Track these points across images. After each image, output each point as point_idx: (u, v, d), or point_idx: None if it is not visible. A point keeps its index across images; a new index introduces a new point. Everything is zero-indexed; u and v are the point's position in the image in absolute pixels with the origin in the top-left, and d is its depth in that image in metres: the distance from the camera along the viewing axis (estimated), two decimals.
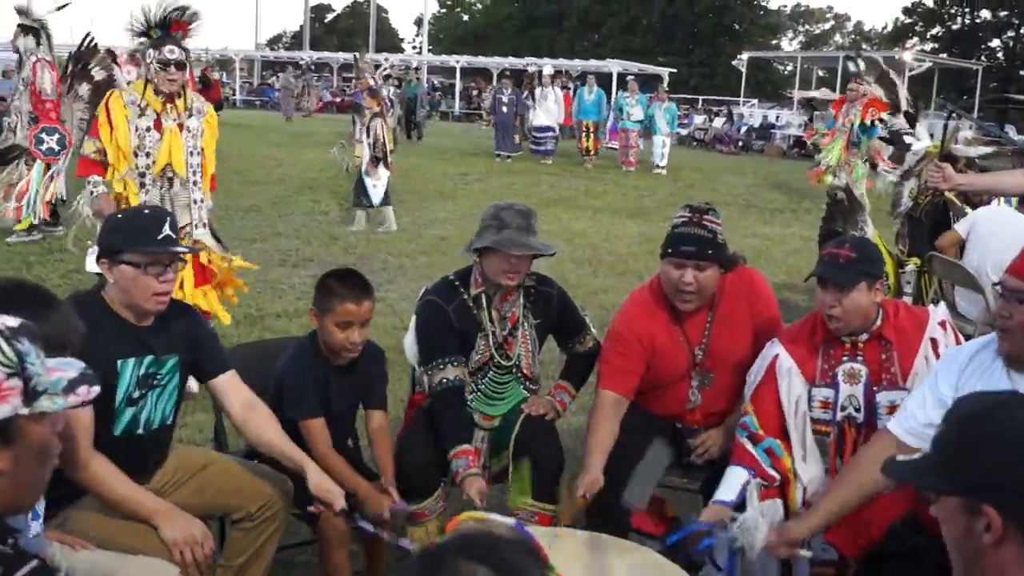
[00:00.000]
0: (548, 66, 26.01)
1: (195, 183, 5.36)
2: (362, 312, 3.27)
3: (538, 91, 21.53)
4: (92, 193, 5.33)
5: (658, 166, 19.60)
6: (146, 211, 2.93)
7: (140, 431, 2.92)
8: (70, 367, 1.67)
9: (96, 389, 1.66)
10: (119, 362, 2.82)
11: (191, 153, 5.30)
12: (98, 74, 9.21)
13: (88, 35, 9.16)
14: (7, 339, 1.55)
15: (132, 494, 2.74)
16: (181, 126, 5.26)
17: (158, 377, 2.93)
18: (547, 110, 20.69)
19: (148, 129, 5.18)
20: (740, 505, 3.00)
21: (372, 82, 15.08)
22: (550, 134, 20.90)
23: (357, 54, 15.96)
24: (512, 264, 3.40)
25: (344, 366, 3.38)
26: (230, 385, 3.11)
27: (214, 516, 3.10)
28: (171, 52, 5.10)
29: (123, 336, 2.84)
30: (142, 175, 5.22)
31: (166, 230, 2.82)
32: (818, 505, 2.92)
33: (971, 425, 1.61)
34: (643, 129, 20.23)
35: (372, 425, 3.48)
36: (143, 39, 5.22)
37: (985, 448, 1.57)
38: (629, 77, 23.80)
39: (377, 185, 11.27)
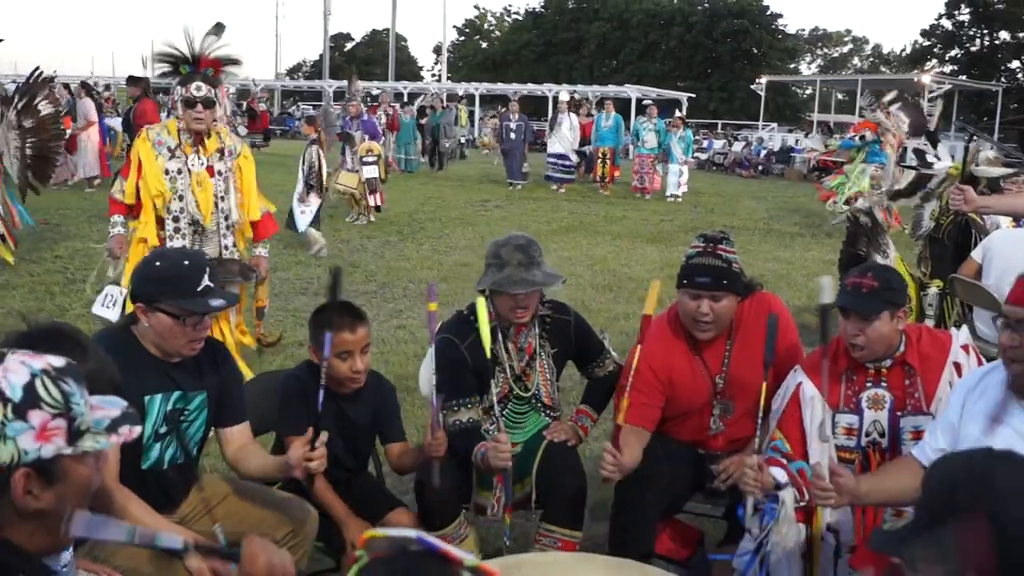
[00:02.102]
0: (563, 92, 25.65)
1: (228, 227, 5.22)
2: (359, 339, 3.29)
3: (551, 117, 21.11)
4: (109, 233, 5.23)
5: (673, 195, 19.06)
6: (186, 261, 2.88)
7: (165, 466, 2.93)
8: (113, 406, 1.69)
9: (138, 429, 1.69)
10: (146, 398, 2.82)
11: (221, 198, 5.16)
12: (45, 108, 9.15)
13: (37, 69, 9.09)
14: (53, 379, 1.57)
15: (155, 525, 2.74)
16: (211, 169, 5.11)
17: (185, 413, 2.95)
18: (561, 137, 20.03)
19: (180, 172, 5.06)
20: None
21: (362, 109, 15.19)
22: (565, 162, 20.20)
23: (348, 81, 15.98)
24: (519, 301, 3.41)
25: (349, 395, 3.39)
26: (235, 438, 3.11)
27: (238, 544, 3.10)
28: (197, 89, 4.93)
29: (151, 372, 2.84)
30: (176, 219, 5.10)
31: (205, 280, 2.82)
32: (865, 478, 2.90)
33: (952, 493, 1.63)
34: (660, 154, 19.65)
35: (394, 455, 3.49)
36: (173, 76, 5.08)
37: (968, 518, 1.58)
38: (647, 102, 23.49)
39: (306, 212, 11.13)
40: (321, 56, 57.69)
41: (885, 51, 72.63)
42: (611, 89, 36.68)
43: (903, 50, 65.47)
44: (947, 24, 55.85)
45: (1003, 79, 49.71)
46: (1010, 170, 6.57)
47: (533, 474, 3.51)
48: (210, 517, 3.05)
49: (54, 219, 12.37)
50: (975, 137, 6.81)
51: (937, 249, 6.79)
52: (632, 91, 36.14)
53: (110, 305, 5.10)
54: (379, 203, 13.89)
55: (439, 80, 56.31)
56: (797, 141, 31.11)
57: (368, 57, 71.85)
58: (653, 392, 3.44)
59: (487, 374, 3.47)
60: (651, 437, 3.45)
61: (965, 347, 3.13)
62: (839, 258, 6.52)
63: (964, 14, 54.33)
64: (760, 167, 29.15)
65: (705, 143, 32.24)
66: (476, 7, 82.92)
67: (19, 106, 8.99)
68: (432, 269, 10.58)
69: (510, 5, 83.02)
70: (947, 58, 56.06)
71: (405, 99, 31.61)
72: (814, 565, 3.07)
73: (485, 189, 19.71)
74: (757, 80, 41.43)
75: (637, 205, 18.00)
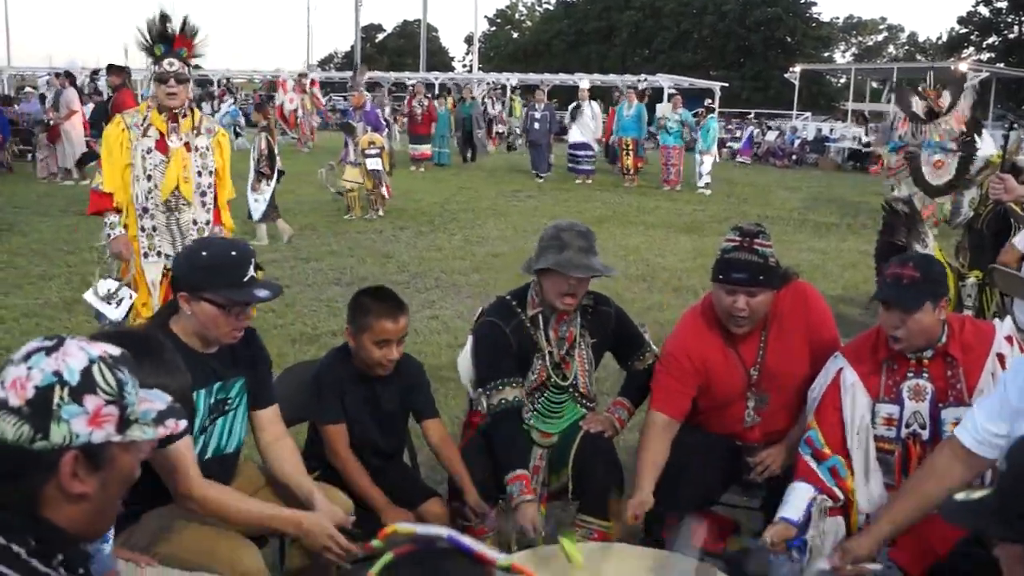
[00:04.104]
0: (584, 80, 25.21)
1: (203, 204, 5.20)
2: (399, 329, 3.29)
3: (571, 106, 20.51)
4: (109, 235, 5.16)
5: (698, 187, 18.54)
6: (232, 252, 2.89)
7: (208, 456, 2.94)
8: (158, 399, 1.72)
9: (183, 423, 1.71)
10: (193, 394, 2.82)
11: (199, 173, 5.17)
12: None
13: None
14: (110, 366, 1.60)
15: (258, 509, 2.79)
16: (188, 146, 5.13)
17: (228, 402, 2.97)
18: (583, 126, 19.58)
19: (149, 151, 5.05)
20: (805, 524, 2.96)
21: (366, 98, 15.12)
22: (587, 152, 19.76)
23: (355, 70, 15.84)
24: (571, 286, 3.39)
25: (380, 377, 3.39)
26: (268, 420, 3.12)
27: (273, 535, 3.12)
28: (170, 64, 4.97)
29: (193, 367, 2.83)
30: (145, 199, 5.09)
31: (250, 271, 2.84)
32: (881, 517, 2.87)
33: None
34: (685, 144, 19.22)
35: (433, 437, 3.49)
36: (148, 57, 5.08)
37: None
38: (673, 91, 22.95)
39: (259, 200, 11.09)
40: (352, 47, 57.83)
41: (921, 39, 71.72)
42: (643, 78, 36.49)
43: (939, 38, 64.72)
44: (984, 11, 55.12)
45: None
46: None
47: (569, 465, 3.51)
48: None
49: None
50: (1015, 125, 6.69)
51: (976, 239, 6.68)
52: (664, 80, 35.90)
53: (114, 304, 5.05)
54: (387, 195, 13.72)
55: (470, 70, 56.28)
56: (832, 130, 30.80)
57: (399, 48, 72.03)
58: (686, 379, 3.43)
59: (529, 360, 3.49)
60: (686, 429, 3.44)
61: (1009, 338, 3.08)
62: (876, 248, 6.44)
63: (1001, 1, 53.57)
64: (794, 156, 28.87)
65: (738, 132, 31.94)
66: None
67: None
68: (464, 259, 10.58)
69: None
70: (984, 45, 55.34)
71: (437, 90, 31.45)
72: None
73: (517, 180, 19.68)
74: (791, 69, 41.08)
75: (669, 195, 17.91)
